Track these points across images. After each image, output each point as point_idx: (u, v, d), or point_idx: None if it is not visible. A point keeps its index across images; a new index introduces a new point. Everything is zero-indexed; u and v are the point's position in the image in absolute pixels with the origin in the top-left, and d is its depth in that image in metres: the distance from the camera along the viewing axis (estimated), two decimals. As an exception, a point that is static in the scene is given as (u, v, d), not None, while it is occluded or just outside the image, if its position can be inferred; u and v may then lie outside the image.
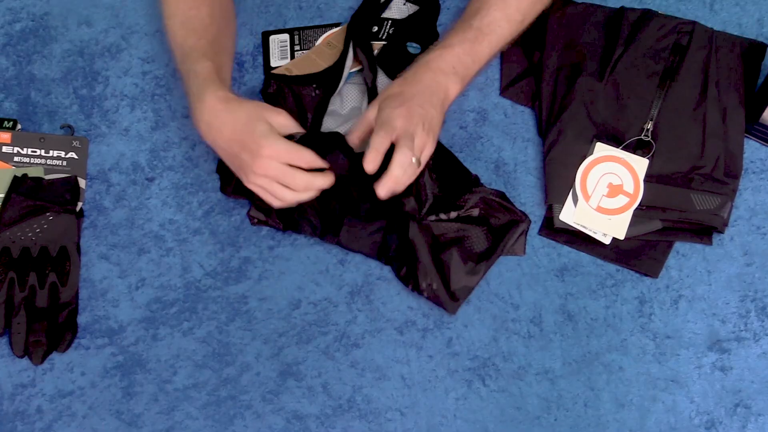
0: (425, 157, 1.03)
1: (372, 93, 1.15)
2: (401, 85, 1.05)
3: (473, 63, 1.07)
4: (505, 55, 1.20)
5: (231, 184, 1.12)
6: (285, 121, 1.03)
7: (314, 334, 1.09)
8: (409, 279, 1.08)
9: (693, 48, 1.16)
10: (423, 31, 1.20)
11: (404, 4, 1.21)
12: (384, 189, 1.00)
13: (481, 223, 1.10)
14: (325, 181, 1.02)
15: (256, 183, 1.02)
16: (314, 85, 1.15)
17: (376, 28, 1.20)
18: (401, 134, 1.00)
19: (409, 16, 1.21)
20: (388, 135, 1.00)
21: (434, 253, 1.08)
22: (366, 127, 1.05)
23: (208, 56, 1.06)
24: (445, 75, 1.05)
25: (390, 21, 1.20)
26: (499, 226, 1.10)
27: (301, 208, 1.09)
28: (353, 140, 1.05)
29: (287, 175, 1.01)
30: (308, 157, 1.01)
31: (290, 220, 1.11)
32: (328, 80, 1.15)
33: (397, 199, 1.05)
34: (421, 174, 1.06)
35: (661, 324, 1.09)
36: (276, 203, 1.03)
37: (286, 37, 1.21)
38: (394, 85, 1.06)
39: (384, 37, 1.19)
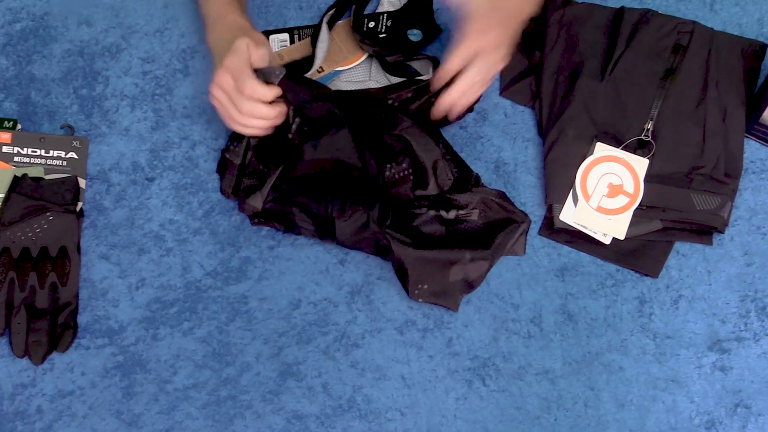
0: (491, 76, 1.06)
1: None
2: (479, 5, 1.03)
3: None
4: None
5: (230, 185, 1.12)
6: (261, 54, 1.04)
7: (314, 334, 1.09)
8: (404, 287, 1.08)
9: (693, 48, 1.16)
10: (421, 16, 1.20)
11: None
12: (445, 101, 1.03)
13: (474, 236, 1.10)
14: (270, 111, 1.04)
15: (213, 94, 1.05)
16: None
17: (373, 24, 1.20)
18: (480, 53, 1.02)
19: (405, 5, 1.21)
20: (466, 55, 1.02)
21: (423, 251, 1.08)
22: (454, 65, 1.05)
23: None
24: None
25: (386, 14, 1.20)
26: (496, 220, 1.10)
27: (293, 210, 1.09)
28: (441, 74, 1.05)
29: (235, 94, 1.03)
30: (253, 86, 1.02)
31: (288, 223, 1.10)
32: (299, 69, 1.16)
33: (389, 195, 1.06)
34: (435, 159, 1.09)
35: (661, 324, 1.09)
36: (230, 125, 1.06)
37: (285, 36, 1.21)
38: (467, 37, 1.04)
39: (383, 31, 1.19)
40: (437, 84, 1.05)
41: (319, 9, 1.23)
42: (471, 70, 1.02)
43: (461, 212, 1.09)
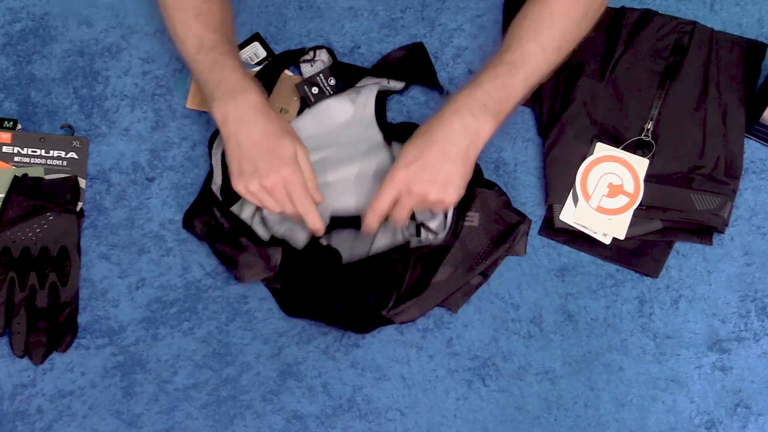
0: (443, 208, 1.03)
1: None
2: (421, 135, 1.01)
3: (507, 98, 1.02)
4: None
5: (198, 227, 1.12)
6: (305, 161, 1.03)
7: (314, 334, 1.09)
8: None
9: (693, 48, 1.16)
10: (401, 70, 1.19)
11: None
12: (370, 226, 1.03)
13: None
14: (313, 224, 1.04)
15: (254, 189, 1.01)
16: None
17: (317, 89, 1.17)
18: (404, 193, 1.01)
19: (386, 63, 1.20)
20: (390, 195, 1.01)
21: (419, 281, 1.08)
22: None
23: (234, 53, 1.05)
24: (474, 116, 1.00)
25: (321, 74, 1.18)
26: (497, 234, 1.09)
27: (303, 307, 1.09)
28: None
29: (284, 200, 1.02)
30: (308, 206, 1.02)
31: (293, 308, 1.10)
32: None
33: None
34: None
35: (661, 324, 1.09)
36: (261, 204, 1.04)
37: (263, 52, 1.20)
38: (416, 134, 1.02)
39: (330, 92, 1.18)
40: (366, 227, 1.04)
41: (319, 9, 1.23)
42: (394, 211, 1.02)
43: (465, 216, 1.08)
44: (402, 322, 1.06)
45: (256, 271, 1.06)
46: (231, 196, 1.09)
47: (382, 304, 1.05)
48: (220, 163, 1.12)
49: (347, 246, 1.08)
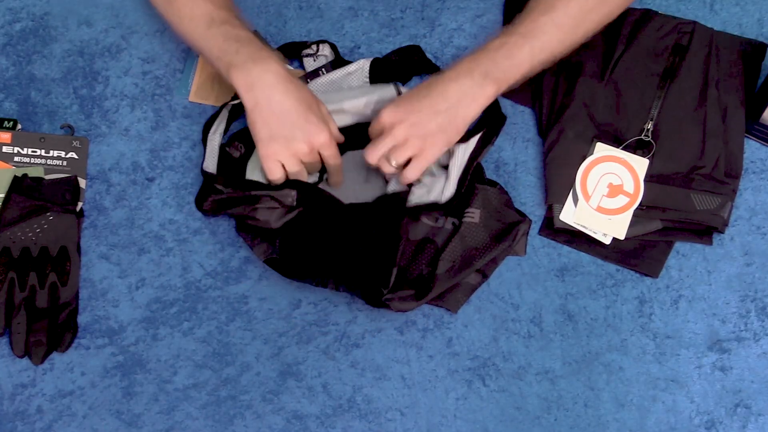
0: (416, 168, 1.04)
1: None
2: (419, 88, 1.05)
3: (511, 67, 1.03)
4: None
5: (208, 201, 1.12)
6: (333, 124, 1.07)
7: (314, 334, 1.09)
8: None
9: (693, 48, 1.16)
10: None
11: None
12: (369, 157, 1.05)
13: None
14: (338, 177, 1.10)
15: (285, 154, 1.03)
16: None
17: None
18: (386, 131, 1.04)
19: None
20: (376, 130, 1.04)
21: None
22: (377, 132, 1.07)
23: (246, 27, 1.06)
24: (473, 80, 1.02)
25: (324, 68, 1.19)
26: (496, 232, 1.09)
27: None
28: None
29: (314, 164, 1.06)
30: (339, 163, 1.07)
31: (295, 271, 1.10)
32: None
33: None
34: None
35: (661, 324, 1.09)
36: (275, 174, 1.05)
37: None
38: (415, 87, 1.05)
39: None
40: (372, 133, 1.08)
41: (320, 9, 1.23)
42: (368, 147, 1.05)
43: (466, 212, 1.09)
44: (397, 311, 1.05)
45: (276, 216, 1.07)
46: (234, 172, 1.12)
47: (383, 278, 1.04)
48: (216, 150, 1.12)
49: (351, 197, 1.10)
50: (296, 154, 1.03)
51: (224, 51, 1.03)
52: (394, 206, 1.07)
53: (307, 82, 1.17)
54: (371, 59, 1.17)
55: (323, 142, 1.03)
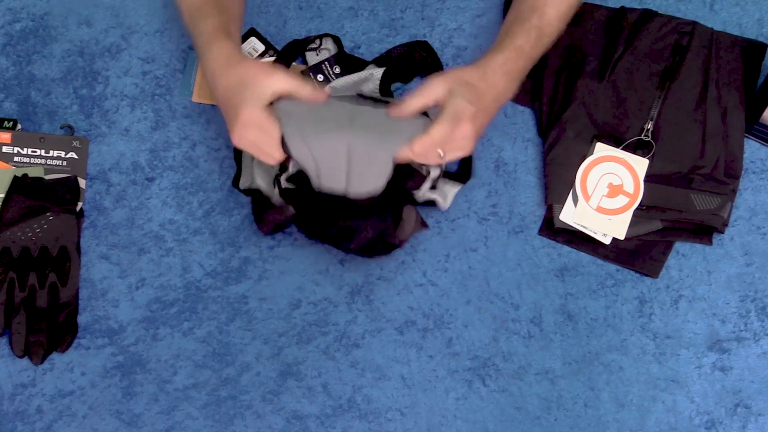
0: (454, 157, 1.00)
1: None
2: (478, 79, 0.98)
3: (529, 65, 1.04)
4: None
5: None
6: (280, 84, 0.98)
7: (314, 334, 1.09)
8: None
9: (693, 48, 1.16)
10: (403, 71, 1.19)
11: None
12: (403, 153, 0.97)
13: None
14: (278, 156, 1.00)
15: (237, 144, 0.99)
16: None
17: (322, 77, 1.17)
18: (461, 128, 0.97)
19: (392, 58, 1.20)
20: (450, 130, 0.96)
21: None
22: (428, 99, 0.98)
23: (212, 14, 1.03)
24: (511, 81, 1.02)
25: (327, 62, 1.18)
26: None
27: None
28: (411, 104, 0.98)
29: (263, 143, 0.98)
30: (273, 137, 0.98)
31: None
32: None
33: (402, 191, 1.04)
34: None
35: (661, 324, 1.09)
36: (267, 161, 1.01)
37: (261, 46, 1.21)
38: (470, 73, 0.99)
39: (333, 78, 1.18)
40: (413, 152, 0.99)
41: (319, 9, 1.23)
42: (436, 130, 0.97)
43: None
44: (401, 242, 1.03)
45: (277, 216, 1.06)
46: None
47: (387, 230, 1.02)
48: (250, 162, 1.11)
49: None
50: (239, 141, 0.98)
51: (195, 48, 1.04)
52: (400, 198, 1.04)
53: (311, 77, 1.17)
54: (383, 69, 1.16)
55: (245, 120, 0.97)
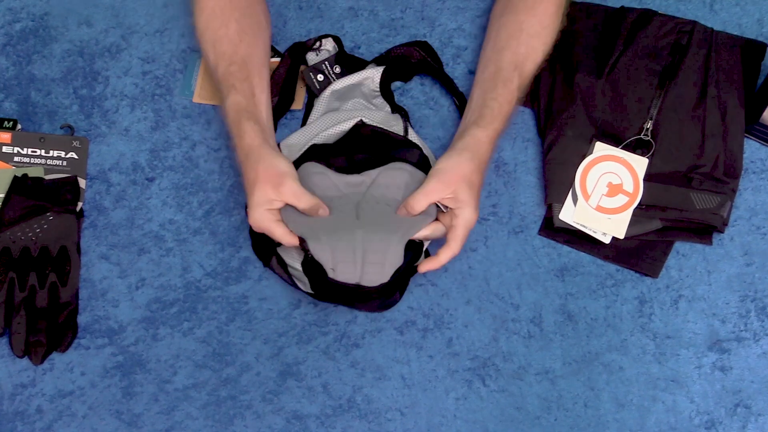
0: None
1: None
2: (474, 172, 1.02)
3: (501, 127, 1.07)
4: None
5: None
6: (285, 198, 1.01)
7: (314, 334, 1.09)
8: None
9: (693, 48, 1.16)
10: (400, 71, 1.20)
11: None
12: (425, 267, 1.02)
13: None
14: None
15: (251, 218, 1.03)
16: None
17: (322, 77, 1.18)
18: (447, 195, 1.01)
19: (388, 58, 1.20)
20: (464, 236, 1.01)
21: None
22: (432, 200, 1.02)
23: (237, 87, 1.06)
24: (494, 150, 1.06)
25: (327, 62, 1.18)
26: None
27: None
28: (417, 206, 1.02)
29: (272, 235, 1.02)
30: (283, 237, 1.01)
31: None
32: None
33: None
34: None
35: (661, 324, 1.09)
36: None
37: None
38: (466, 166, 1.02)
39: (334, 78, 1.18)
40: (437, 264, 1.02)
41: (319, 9, 1.23)
42: (453, 246, 1.01)
43: None
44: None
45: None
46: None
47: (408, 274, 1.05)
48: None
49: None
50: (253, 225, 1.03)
51: (221, 113, 1.07)
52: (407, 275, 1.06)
53: (310, 77, 1.17)
54: (382, 68, 1.16)
55: (254, 221, 1.01)
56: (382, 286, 0.99)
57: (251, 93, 1.06)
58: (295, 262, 1.06)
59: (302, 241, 1.01)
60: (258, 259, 1.12)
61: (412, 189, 1.03)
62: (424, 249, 1.07)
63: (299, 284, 1.08)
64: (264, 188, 1.00)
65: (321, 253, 0.99)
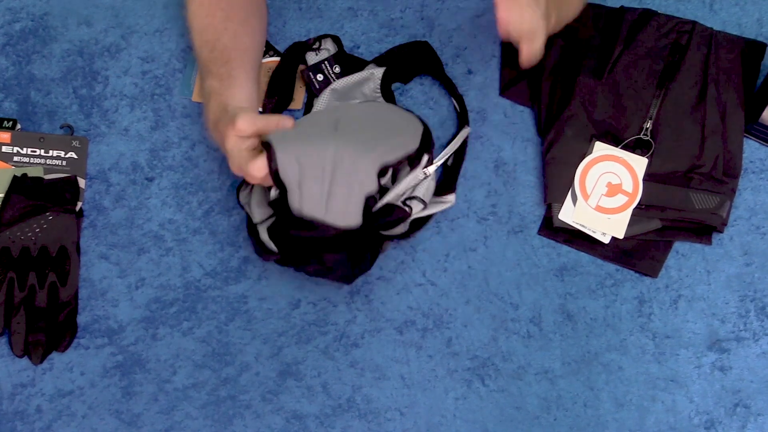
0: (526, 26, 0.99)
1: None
2: None
3: (561, 10, 1.05)
4: (504, 56, 1.20)
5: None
6: (242, 130, 0.99)
7: (314, 333, 1.09)
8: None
9: (692, 48, 1.16)
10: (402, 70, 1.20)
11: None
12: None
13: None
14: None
15: (231, 167, 1.01)
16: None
17: (321, 76, 1.18)
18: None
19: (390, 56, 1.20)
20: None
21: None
22: None
23: (214, 71, 1.06)
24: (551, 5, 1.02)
25: (327, 61, 1.19)
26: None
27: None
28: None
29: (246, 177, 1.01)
30: (254, 171, 0.99)
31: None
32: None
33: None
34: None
35: (660, 324, 1.09)
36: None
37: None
38: None
39: (334, 78, 1.18)
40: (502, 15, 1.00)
41: (319, 9, 1.23)
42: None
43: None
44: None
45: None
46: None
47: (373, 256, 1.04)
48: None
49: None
50: (227, 150, 1.00)
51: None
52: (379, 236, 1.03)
53: (310, 77, 1.17)
54: (383, 69, 1.16)
55: (232, 131, 0.99)
56: (351, 233, 0.96)
57: (228, 74, 1.05)
58: (264, 230, 1.03)
59: (270, 157, 0.96)
60: (255, 250, 1.07)
61: (402, 120, 1.02)
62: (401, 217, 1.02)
63: (268, 245, 1.03)
64: (229, 135, 0.98)
65: (288, 165, 0.95)
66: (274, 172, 0.97)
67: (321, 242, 0.98)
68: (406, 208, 1.01)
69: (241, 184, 1.09)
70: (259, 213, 1.05)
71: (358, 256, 1.01)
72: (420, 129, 1.04)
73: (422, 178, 1.03)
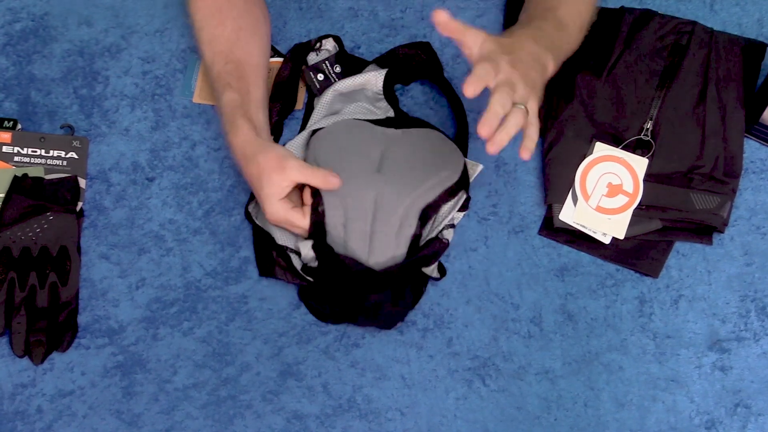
0: (531, 109, 0.93)
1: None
2: (506, 43, 0.95)
3: (560, 51, 1.02)
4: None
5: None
6: (293, 178, 1.02)
7: (314, 334, 1.09)
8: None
9: (693, 48, 1.16)
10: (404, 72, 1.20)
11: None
12: (485, 127, 0.88)
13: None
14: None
15: (268, 214, 1.05)
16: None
17: (322, 76, 1.18)
18: (501, 80, 0.90)
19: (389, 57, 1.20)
20: (492, 70, 0.90)
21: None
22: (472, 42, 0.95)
23: (233, 85, 1.07)
24: (544, 50, 0.98)
25: (328, 61, 1.19)
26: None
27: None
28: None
29: (289, 226, 1.06)
30: (299, 222, 1.04)
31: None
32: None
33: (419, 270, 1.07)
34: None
35: (661, 324, 1.09)
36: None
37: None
38: (498, 40, 0.95)
39: (335, 78, 1.18)
40: (470, 94, 0.91)
41: (320, 9, 1.23)
42: (496, 94, 0.90)
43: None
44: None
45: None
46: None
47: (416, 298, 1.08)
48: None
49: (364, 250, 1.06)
50: (268, 218, 1.05)
51: (218, 112, 1.09)
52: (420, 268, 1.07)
53: (311, 77, 1.17)
54: (385, 71, 1.16)
55: (270, 212, 1.03)
56: (393, 269, 1.01)
57: (246, 90, 1.07)
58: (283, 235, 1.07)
59: (316, 201, 1.02)
60: (258, 266, 1.11)
61: (443, 153, 1.05)
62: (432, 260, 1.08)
63: (304, 276, 1.08)
64: (270, 176, 1.01)
65: (333, 209, 1.00)
66: (320, 215, 1.03)
67: (365, 279, 1.03)
68: (444, 240, 1.07)
69: (251, 199, 1.12)
70: (282, 234, 1.08)
71: (399, 293, 1.05)
72: (462, 160, 1.10)
73: (458, 219, 1.10)
